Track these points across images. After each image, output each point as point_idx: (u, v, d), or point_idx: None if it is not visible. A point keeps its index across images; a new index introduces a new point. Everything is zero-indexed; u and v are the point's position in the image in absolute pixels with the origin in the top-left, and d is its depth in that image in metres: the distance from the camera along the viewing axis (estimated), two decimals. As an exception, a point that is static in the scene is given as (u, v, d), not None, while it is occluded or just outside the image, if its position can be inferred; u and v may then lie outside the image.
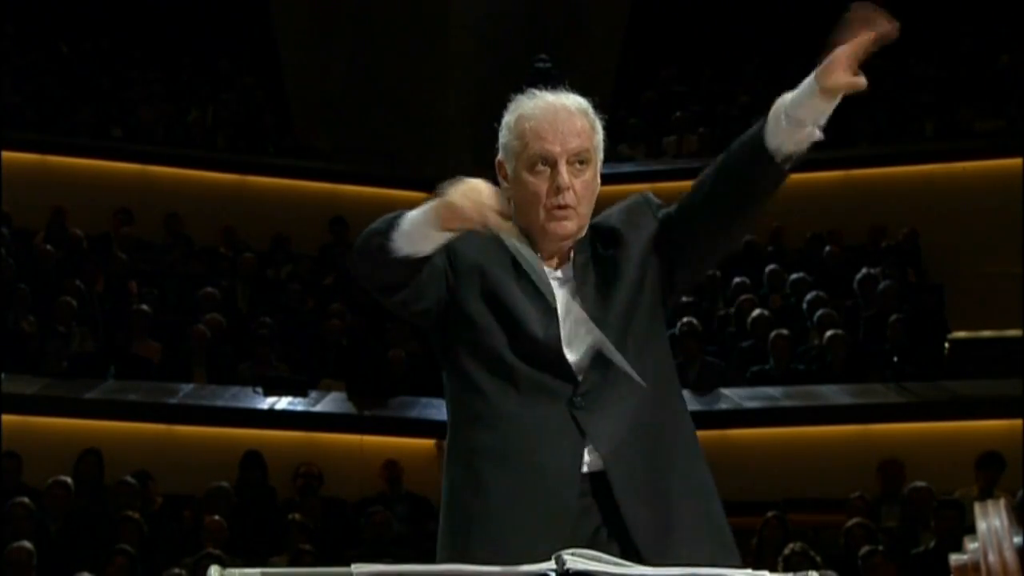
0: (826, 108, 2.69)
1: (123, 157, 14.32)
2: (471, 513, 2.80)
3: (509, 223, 2.73)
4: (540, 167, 2.85)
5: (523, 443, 2.78)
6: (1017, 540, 1.82)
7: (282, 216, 14.19)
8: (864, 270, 12.09)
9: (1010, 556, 1.82)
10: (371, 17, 15.62)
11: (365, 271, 2.80)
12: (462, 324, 2.86)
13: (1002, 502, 1.87)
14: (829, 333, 11.11)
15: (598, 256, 2.92)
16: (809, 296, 11.81)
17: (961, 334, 12.15)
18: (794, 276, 12.25)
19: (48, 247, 12.51)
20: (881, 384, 10.95)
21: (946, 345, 11.82)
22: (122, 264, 12.65)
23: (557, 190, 2.83)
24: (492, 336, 2.84)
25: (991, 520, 1.85)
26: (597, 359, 2.82)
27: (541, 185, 2.85)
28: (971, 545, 1.85)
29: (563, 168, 2.84)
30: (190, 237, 13.67)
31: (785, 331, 11.23)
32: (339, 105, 15.78)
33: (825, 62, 2.64)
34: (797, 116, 2.68)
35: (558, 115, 2.88)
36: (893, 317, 11.30)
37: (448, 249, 2.84)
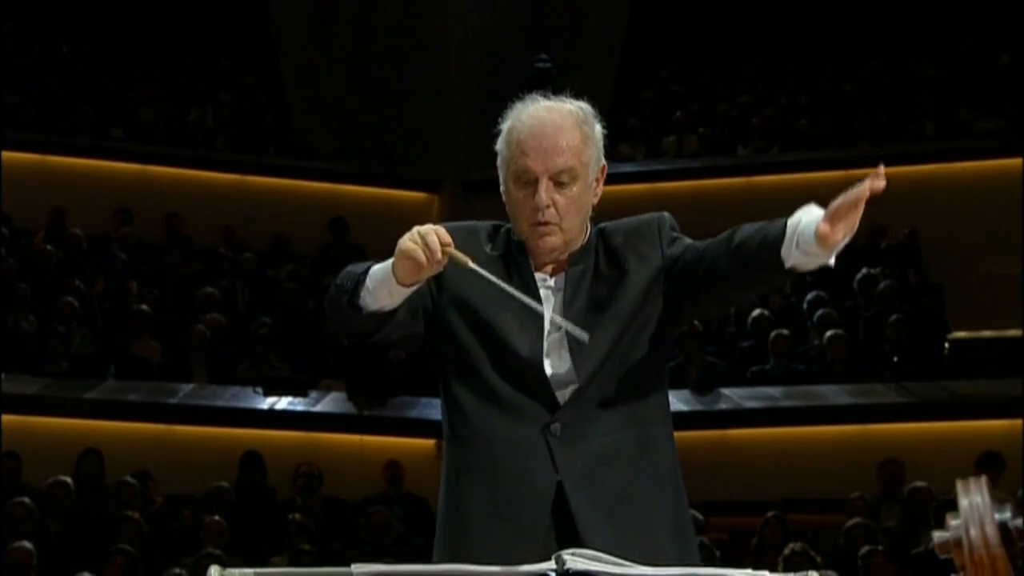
0: (831, 255, 2.67)
1: (123, 157, 14.31)
2: (451, 526, 2.86)
3: (466, 258, 2.72)
4: (523, 180, 2.85)
5: (497, 463, 2.80)
6: (998, 516, 1.84)
7: (282, 216, 14.18)
8: (864, 270, 12.09)
9: (991, 531, 1.83)
10: (371, 17, 15.62)
11: (336, 323, 2.84)
12: (448, 345, 2.88)
13: (983, 479, 1.88)
14: (829, 333, 11.11)
15: (598, 271, 2.90)
16: (809, 296, 11.81)
17: (961, 334, 12.14)
18: (794, 276, 12.24)
19: (48, 247, 12.51)
20: (881, 384, 10.95)
21: (946, 345, 11.82)
22: (122, 264, 12.64)
23: (535, 208, 2.83)
24: (476, 356, 2.85)
25: (972, 496, 1.87)
26: (577, 388, 2.82)
27: (523, 200, 2.85)
28: (953, 522, 1.87)
29: (543, 187, 2.82)
30: (190, 237, 13.66)
31: (785, 331, 11.22)
32: (339, 105, 15.76)
33: (826, 214, 2.62)
34: (808, 250, 2.66)
35: (545, 131, 2.84)
36: (893, 317, 11.30)
37: (438, 292, 2.87)
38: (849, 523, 8.75)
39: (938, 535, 1.89)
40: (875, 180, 2.60)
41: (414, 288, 2.73)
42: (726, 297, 2.96)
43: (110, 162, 14.21)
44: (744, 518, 9.73)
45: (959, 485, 1.89)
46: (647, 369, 2.88)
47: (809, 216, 2.66)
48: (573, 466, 2.77)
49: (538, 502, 2.76)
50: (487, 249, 2.91)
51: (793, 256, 2.67)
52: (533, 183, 2.83)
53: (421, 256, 2.64)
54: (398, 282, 2.70)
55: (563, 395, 2.82)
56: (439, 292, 2.86)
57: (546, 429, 2.80)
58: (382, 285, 2.72)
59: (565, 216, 2.84)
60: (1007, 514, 1.86)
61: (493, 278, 2.78)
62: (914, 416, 10.62)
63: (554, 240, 2.85)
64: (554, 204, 2.83)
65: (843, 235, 2.60)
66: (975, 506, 1.86)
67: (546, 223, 2.83)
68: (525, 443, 2.79)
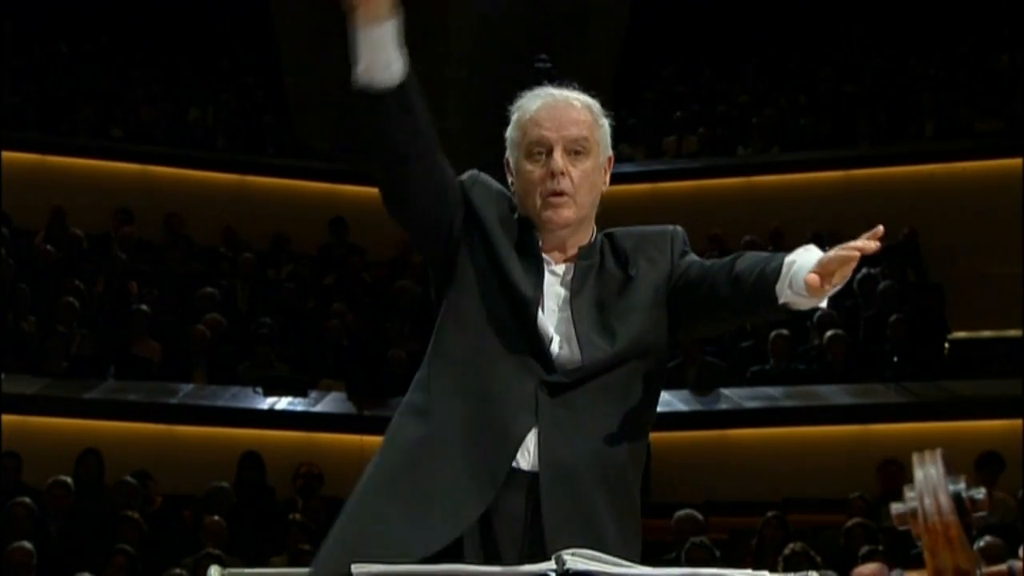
0: (823, 298, 2.69)
1: (123, 157, 14.31)
2: (416, 436, 2.78)
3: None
4: (537, 153, 2.86)
5: (484, 390, 2.77)
6: (951, 486, 1.92)
7: (282, 216, 14.19)
8: (864, 270, 12.08)
9: (945, 500, 1.91)
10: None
11: (365, 139, 2.79)
12: (457, 282, 2.86)
13: (938, 452, 1.96)
14: (829, 333, 11.11)
15: (604, 269, 2.91)
16: (809, 296, 11.80)
17: (961, 334, 12.15)
18: (794, 276, 12.22)
19: (48, 247, 12.51)
20: (881, 384, 10.95)
21: (946, 345, 11.83)
22: (122, 264, 12.64)
23: (551, 175, 2.84)
24: (487, 281, 2.84)
25: (927, 468, 1.95)
26: (577, 375, 2.81)
27: (537, 171, 2.86)
28: (909, 494, 1.95)
29: (559, 154, 2.84)
30: (190, 237, 13.66)
31: (785, 331, 11.22)
32: (339, 105, 15.76)
33: (816, 264, 2.63)
34: (800, 292, 2.67)
35: (557, 103, 2.90)
36: (893, 317, 11.30)
37: (466, 204, 2.87)
38: (849, 523, 8.74)
39: (895, 507, 1.97)
40: (870, 240, 2.62)
41: (387, 30, 2.66)
42: (722, 322, 2.97)
43: (110, 162, 14.21)
44: (744, 518, 9.72)
45: (915, 459, 1.96)
46: (645, 375, 2.88)
47: (805, 258, 2.68)
48: (549, 429, 2.74)
49: (506, 445, 2.73)
50: (505, 211, 2.91)
51: (786, 295, 2.69)
52: (547, 153, 2.85)
53: None
54: (360, 24, 2.65)
55: (560, 376, 2.80)
56: (467, 207, 2.87)
57: (541, 387, 2.77)
58: (358, 47, 2.67)
59: (579, 189, 2.85)
60: (960, 485, 1.93)
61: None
62: (914, 416, 10.61)
63: (567, 212, 2.86)
64: (569, 174, 2.84)
65: (832, 286, 2.63)
66: (929, 477, 1.94)
67: (561, 192, 2.84)
68: (518, 389, 2.76)
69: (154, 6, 16.31)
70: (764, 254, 2.80)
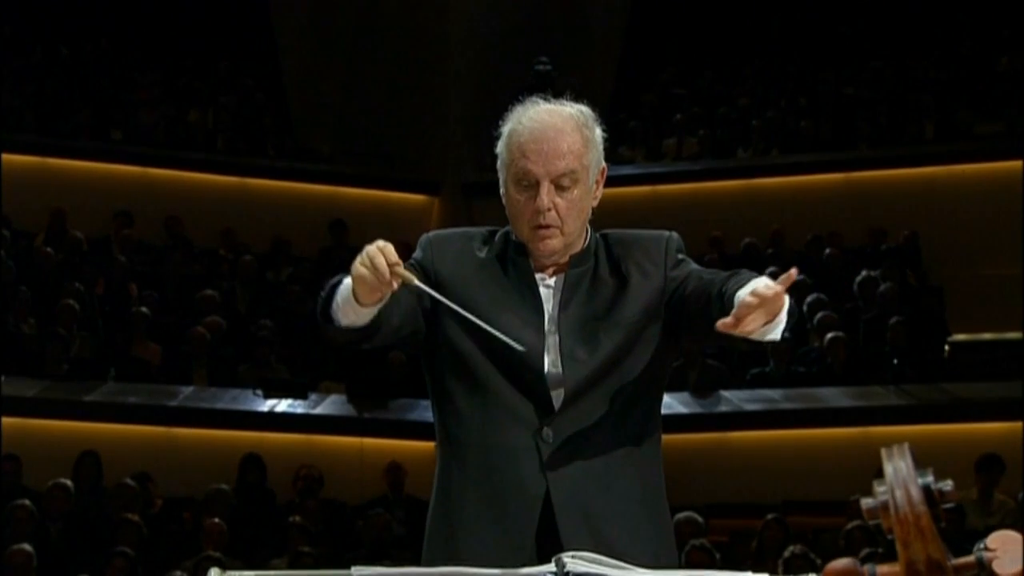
0: (773, 333, 2.69)
1: (123, 159, 14.31)
2: (441, 527, 2.88)
3: (412, 276, 2.70)
4: (524, 183, 2.85)
5: (490, 467, 2.82)
6: (920, 479, 1.93)
7: (282, 218, 14.19)
8: (864, 272, 12.09)
9: (915, 491, 1.92)
10: (371, 18, 15.62)
11: (326, 334, 2.82)
12: (445, 346, 2.88)
13: (906, 446, 1.96)
14: (829, 335, 11.11)
15: (597, 276, 2.91)
16: (809, 298, 11.81)
17: (961, 336, 12.15)
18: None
19: (48, 249, 12.51)
20: (881, 386, 10.95)
21: (946, 347, 11.82)
22: (122, 266, 12.64)
23: (537, 211, 2.83)
24: (473, 356, 2.85)
25: (896, 462, 1.95)
26: (568, 395, 2.82)
27: (524, 203, 2.85)
28: (880, 488, 1.95)
29: (544, 190, 2.82)
30: (190, 239, 13.66)
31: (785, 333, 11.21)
32: (339, 107, 15.77)
33: (734, 310, 2.61)
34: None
35: (546, 134, 2.84)
36: (893, 319, 11.31)
37: (430, 275, 2.87)
38: (849, 525, 8.74)
39: (865, 502, 1.97)
40: (783, 283, 2.62)
41: (380, 306, 2.70)
42: (713, 342, 2.96)
43: (110, 164, 14.21)
44: (744, 520, 9.73)
45: (883, 453, 1.96)
46: (644, 385, 2.88)
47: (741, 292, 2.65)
48: (562, 479, 2.79)
49: (527, 509, 2.78)
50: (481, 253, 2.92)
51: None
52: (534, 186, 2.83)
53: (371, 278, 2.62)
54: (359, 303, 2.69)
55: (557, 398, 2.82)
56: (438, 292, 2.86)
57: (538, 434, 2.81)
58: (347, 304, 2.71)
59: (566, 219, 2.85)
60: (929, 477, 1.94)
61: (458, 309, 2.78)
62: (914, 418, 10.61)
63: (555, 243, 2.86)
64: (555, 207, 2.83)
65: (753, 328, 2.61)
66: (899, 470, 1.94)
67: (547, 226, 2.83)
68: (518, 448, 2.80)
69: (153, 8, 16.31)
70: (749, 277, 2.75)
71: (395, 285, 2.65)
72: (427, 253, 2.93)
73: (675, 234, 2.97)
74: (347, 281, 2.71)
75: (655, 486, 2.90)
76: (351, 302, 2.69)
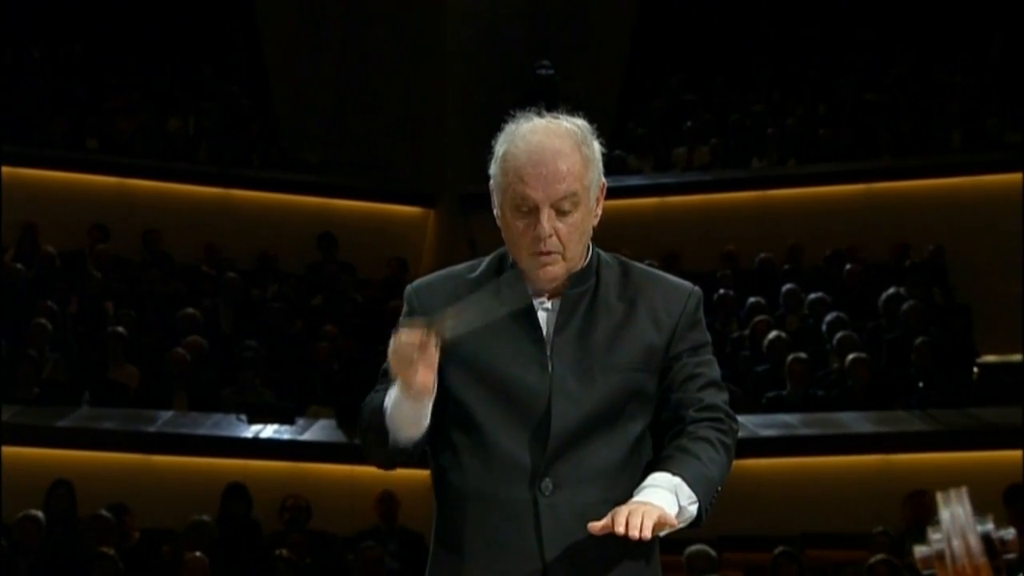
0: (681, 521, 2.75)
1: (99, 170, 14.35)
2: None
3: (443, 325, 2.75)
4: (523, 209, 2.85)
5: (488, 523, 2.86)
6: (980, 527, 1.90)
7: (268, 232, 14.21)
8: (887, 290, 12.10)
9: (974, 541, 1.90)
10: (363, 20, 15.66)
11: (392, 462, 2.96)
12: (450, 401, 2.90)
13: (964, 490, 1.94)
14: (850, 357, 11.11)
15: (598, 298, 2.92)
16: (828, 317, 11.82)
17: (990, 358, 12.16)
18: (812, 296, 12.26)
19: (18, 265, 12.52)
20: (905, 411, 10.96)
21: (974, 370, 11.83)
22: (97, 283, 12.66)
23: (537, 238, 2.84)
24: (475, 403, 2.89)
25: (954, 508, 1.93)
26: (563, 435, 2.85)
27: (523, 229, 2.85)
28: (935, 536, 1.94)
29: (545, 216, 2.82)
30: (170, 255, 13.68)
31: (803, 355, 11.23)
32: (329, 114, 15.80)
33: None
34: None
35: (544, 156, 2.83)
36: (918, 340, 11.31)
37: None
38: (872, 560, 8.73)
39: (920, 550, 1.96)
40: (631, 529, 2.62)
41: (424, 400, 2.77)
42: None
43: (85, 175, 14.25)
44: (759, 554, 9.72)
45: (939, 498, 1.95)
46: (645, 431, 2.91)
47: (652, 488, 2.73)
48: (558, 535, 2.82)
49: (526, 568, 2.82)
50: (469, 290, 2.93)
51: None
52: (534, 211, 2.83)
53: (412, 352, 2.70)
54: (416, 401, 2.76)
55: (555, 438, 2.84)
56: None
57: (537, 486, 2.83)
58: (399, 409, 2.79)
59: (568, 244, 2.85)
60: (989, 525, 1.92)
61: (512, 281, 2.88)
62: (940, 445, 10.62)
63: (556, 269, 2.87)
64: (556, 233, 2.83)
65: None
66: (956, 517, 1.93)
67: (548, 252, 2.84)
68: (515, 505, 2.83)
69: (131, 9, 16.35)
70: (696, 446, 2.82)
71: (434, 349, 2.71)
72: (413, 305, 2.97)
73: (698, 289, 2.99)
74: (389, 394, 2.81)
75: (653, 540, 2.89)
76: (402, 404, 2.78)
